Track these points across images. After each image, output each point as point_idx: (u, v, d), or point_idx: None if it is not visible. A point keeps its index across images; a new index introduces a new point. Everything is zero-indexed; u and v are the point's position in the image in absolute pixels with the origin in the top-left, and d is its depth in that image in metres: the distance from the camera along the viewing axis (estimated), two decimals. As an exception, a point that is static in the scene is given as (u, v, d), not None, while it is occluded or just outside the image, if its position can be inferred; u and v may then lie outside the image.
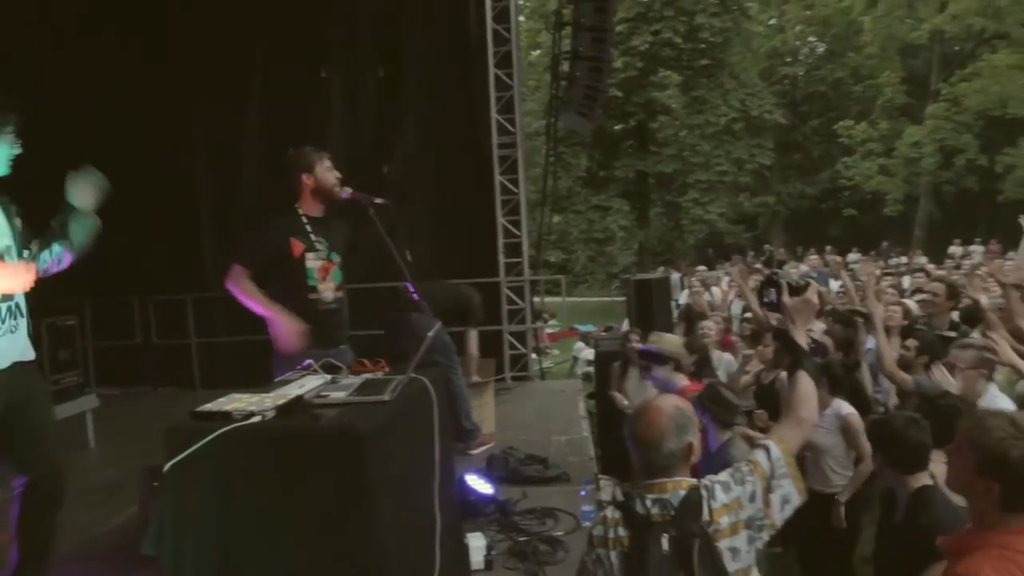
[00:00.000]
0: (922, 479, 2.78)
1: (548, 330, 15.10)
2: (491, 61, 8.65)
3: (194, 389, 8.52)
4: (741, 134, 26.35)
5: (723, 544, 2.09)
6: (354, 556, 2.05)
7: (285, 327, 3.37)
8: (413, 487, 2.63)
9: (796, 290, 2.65)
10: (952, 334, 4.94)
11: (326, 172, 3.58)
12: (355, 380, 2.68)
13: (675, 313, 8.32)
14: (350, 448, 2.09)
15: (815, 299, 2.59)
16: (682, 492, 2.13)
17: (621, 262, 26.36)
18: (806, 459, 4.12)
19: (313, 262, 3.54)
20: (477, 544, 3.58)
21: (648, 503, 2.14)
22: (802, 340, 2.52)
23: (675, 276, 14.30)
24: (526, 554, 3.71)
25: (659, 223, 27.99)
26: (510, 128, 8.82)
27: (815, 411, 2.45)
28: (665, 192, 27.17)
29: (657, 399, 2.38)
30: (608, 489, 4.67)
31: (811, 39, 32.35)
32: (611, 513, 2.22)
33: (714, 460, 3.37)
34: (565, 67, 9.20)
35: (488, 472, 4.77)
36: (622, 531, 2.15)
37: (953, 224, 25.92)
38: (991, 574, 1.88)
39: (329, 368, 2.80)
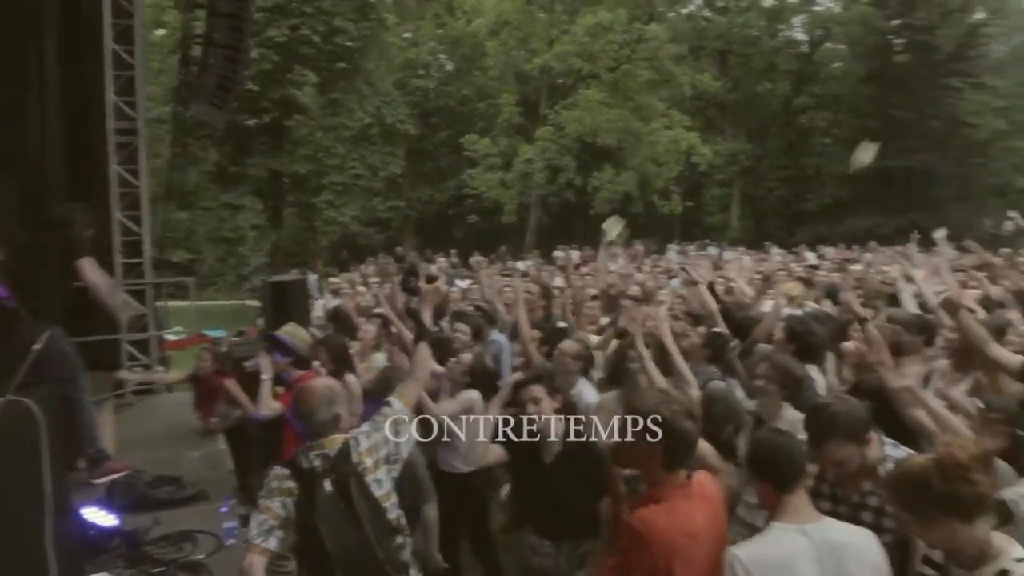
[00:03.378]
0: None
1: (172, 336, 13.81)
2: (108, 34, 7.60)
3: None
4: (376, 140, 27.02)
5: (370, 478, 2.78)
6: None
7: None
8: (12, 532, 2.19)
9: (430, 279, 3.44)
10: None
11: None
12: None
13: (314, 315, 8.21)
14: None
15: (443, 288, 3.25)
16: (337, 446, 2.79)
17: (253, 263, 25.26)
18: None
19: None
20: (101, 586, 3.12)
21: (312, 458, 2.76)
22: (427, 319, 3.35)
23: (312, 278, 14.12)
24: (162, 587, 3.34)
25: (293, 223, 27.44)
26: (130, 113, 7.87)
27: (428, 371, 3.33)
28: (299, 192, 26.72)
29: (312, 382, 3.02)
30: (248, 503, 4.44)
31: (442, 56, 34.49)
32: (279, 470, 2.78)
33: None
34: (197, 52, 8.51)
35: (110, 501, 4.18)
36: (290, 483, 2.72)
37: (558, 231, 29.72)
38: (662, 523, 2.36)
39: None
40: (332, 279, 13.37)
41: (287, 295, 7.22)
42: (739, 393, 4.01)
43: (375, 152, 26.86)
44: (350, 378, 5.11)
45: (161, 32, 23.59)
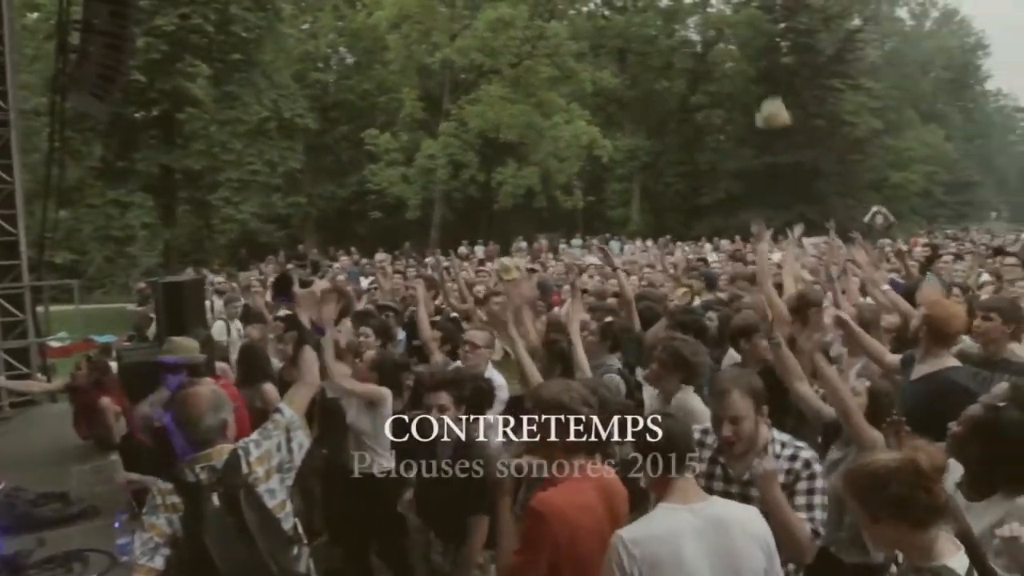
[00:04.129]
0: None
1: (55, 344, 12.99)
2: (-29, 18, 7.08)
3: None
4: (274, 134, 26.22)
5: (262, 488, 2.65)
6: None
7: None
8: None
9: (304, 284, 3.23)
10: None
11: None
12: None
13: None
14: None
15: (318, 292, 3.20)
16: (225, 456, 2.62)
17: (144, 263, 24.01)
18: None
19: None
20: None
21: (197, 471, 2.58)
22: (306, 321, 3.13)
23: (212, 278, 13.57)
24: (49, 612, 3.13)
25: (187, 221, 26.31)
26: (1, 104, 7.35)
27: (317, 375, 3.08)
28: (193, 189, 25.62)
29: (197, 387, 2.80)
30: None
31: (342, 49, 33.75)
32: (161, 485, 2.60)
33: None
34: (75, 39, 7.97)
35: (-14, 523, 3.89)
36: (174, 498, 2.55)
37: (462, 227, 29.70)
38: (559, 500, 2.51)
39: None
40: (218, 279, 12.87)
41: (182, 297, 6.70)
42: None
43: (273, 147, 26.04)
44: (267, 386, 4.97)
45: (35, 16, 22.10)
